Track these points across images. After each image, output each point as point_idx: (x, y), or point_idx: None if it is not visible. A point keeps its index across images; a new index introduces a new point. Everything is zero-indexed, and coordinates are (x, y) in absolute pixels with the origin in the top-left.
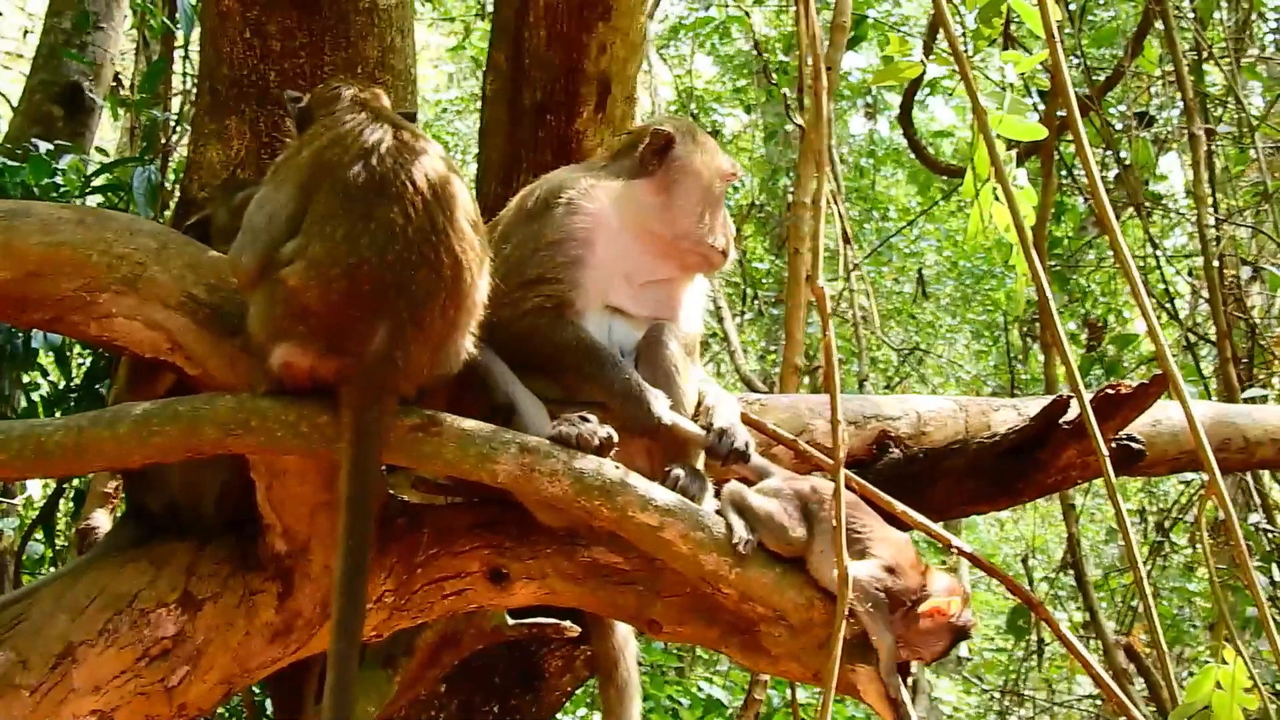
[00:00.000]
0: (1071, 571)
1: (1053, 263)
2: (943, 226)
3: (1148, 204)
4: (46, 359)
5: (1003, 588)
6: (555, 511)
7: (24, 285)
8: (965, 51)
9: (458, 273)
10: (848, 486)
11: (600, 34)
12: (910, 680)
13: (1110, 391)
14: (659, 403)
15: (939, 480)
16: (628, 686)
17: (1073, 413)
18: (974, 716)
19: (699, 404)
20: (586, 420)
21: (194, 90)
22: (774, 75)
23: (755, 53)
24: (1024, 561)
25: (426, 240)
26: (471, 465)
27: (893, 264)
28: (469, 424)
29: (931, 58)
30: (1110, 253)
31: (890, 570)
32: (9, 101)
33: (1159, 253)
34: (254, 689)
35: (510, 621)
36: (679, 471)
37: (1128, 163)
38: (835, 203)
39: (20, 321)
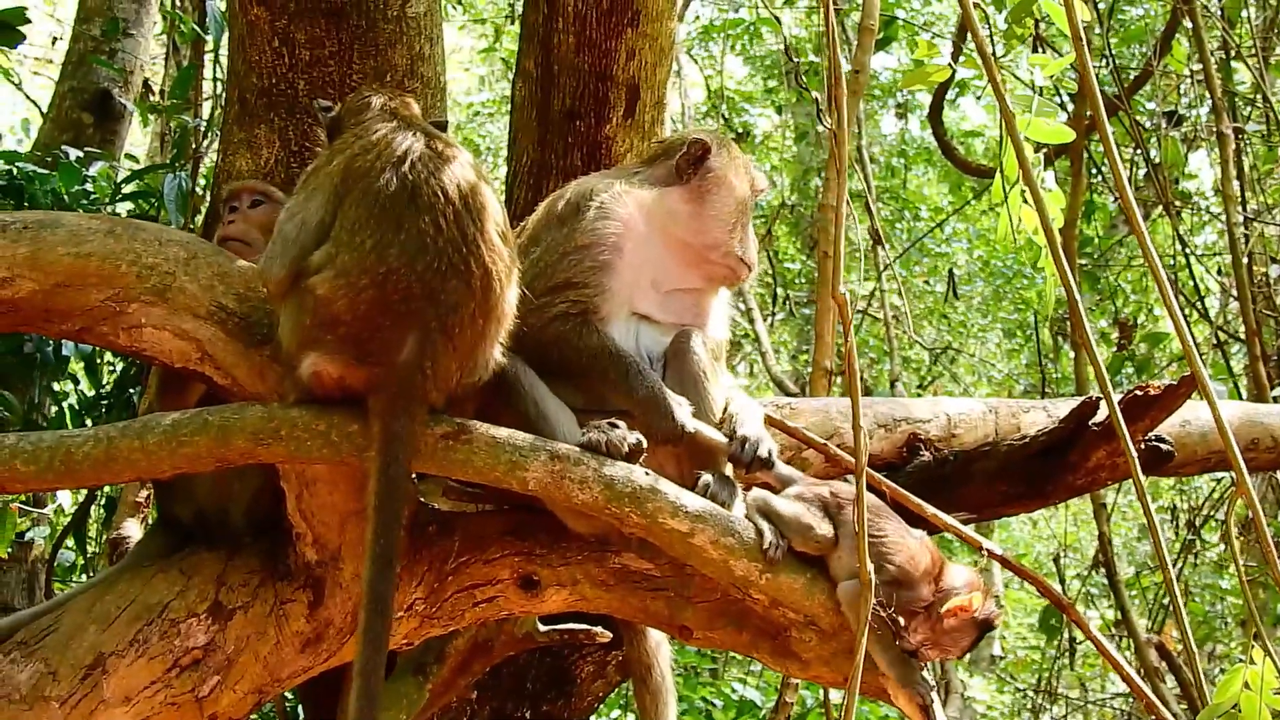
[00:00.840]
0: (1103, 570)
1: (1083, 261)
2: (974, 226)
3: (1177, 203)
4: (77, 367)
5: (1035, 587)
6: (585, 518)
7: (53, 296)
8: (994, 53)
9: (487, 283)
10: (877, 489)
11: (629, 40)
12: (939, 678)
13: (1139, 393)
14: (682, 410)
15: (970, 482)
16: (662, 691)
17: (1102, 414)
18: (1007, 715)
19: (724, 410)
20: (616, 427)
21: (224, 96)
22: (804, 77)
23: (785, 55)
24: (1055, 560)
25: (457, 251)
26: (502, 473)
27: (924, 264)
28: (499, 432)
29: (961, 60)
30: (1141, 251)
31: (897, 583)
32: (39, 108)
33: (1188, 251)
34: (286, 695)
35: (541, 628)
36: (708, 478)
37: (1157, 162)
38: (867, 203)
39: (49, 331)
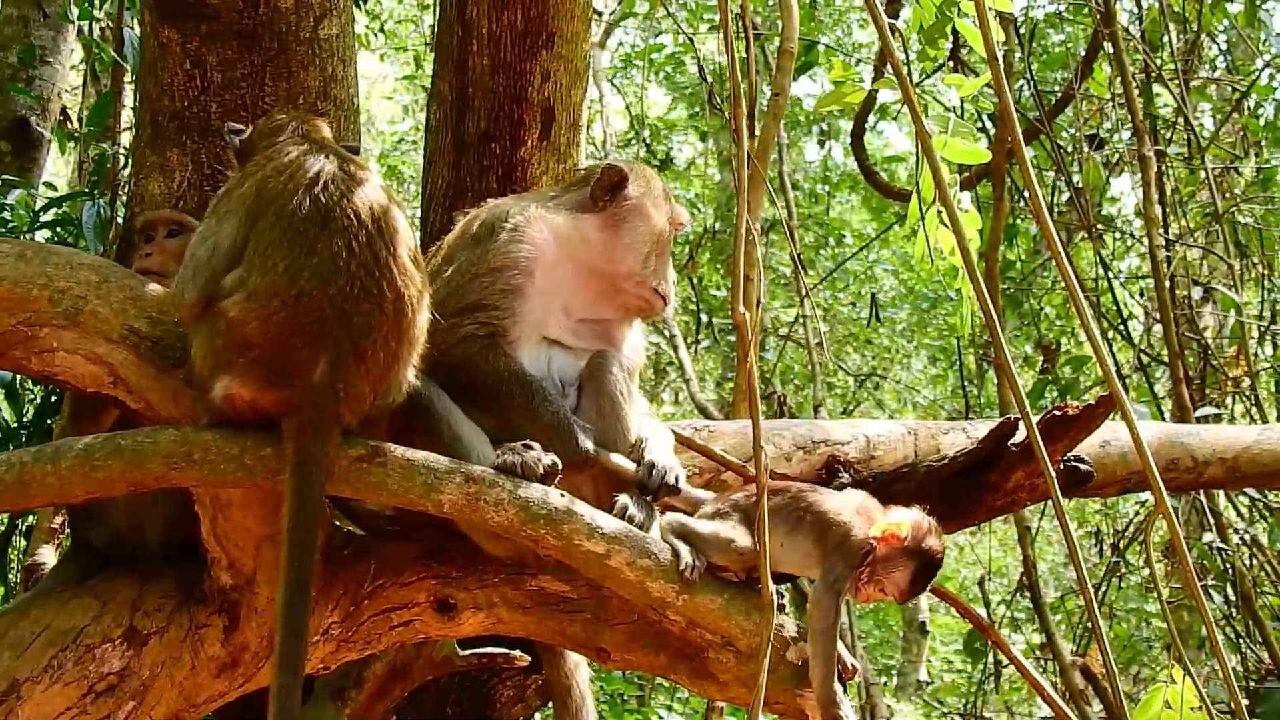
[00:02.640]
0: (1028, 594)
1: (1005, 286)
2: (898, 251)
3: (1099, 226)
4: None
5: (955, 609)
6: (501, 541)
7: None
8: (911, 76)
9: (400, 306)
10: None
11: (543, 61)
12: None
13: (1058, 413)
14: (585, 437)
15: (889, 504)
16: (582, 711)
17: (1022, 434)
18: None
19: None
20: (530, 449)
21: (136, 120)
22: (720, 102)
23: (701, 79)
24: (980, 584)
25: (369, 274)
26: (417, 495)
27: (849, 288)
28: (414, 454)
29: (879, 83)
30: (1060, 274)
31: (844, 538)
32: None
33: (1111, 275)
34: None
35: (460, 652)
36: (625, 499)
37: (1079, 185)
38: (788, 229)
39: None
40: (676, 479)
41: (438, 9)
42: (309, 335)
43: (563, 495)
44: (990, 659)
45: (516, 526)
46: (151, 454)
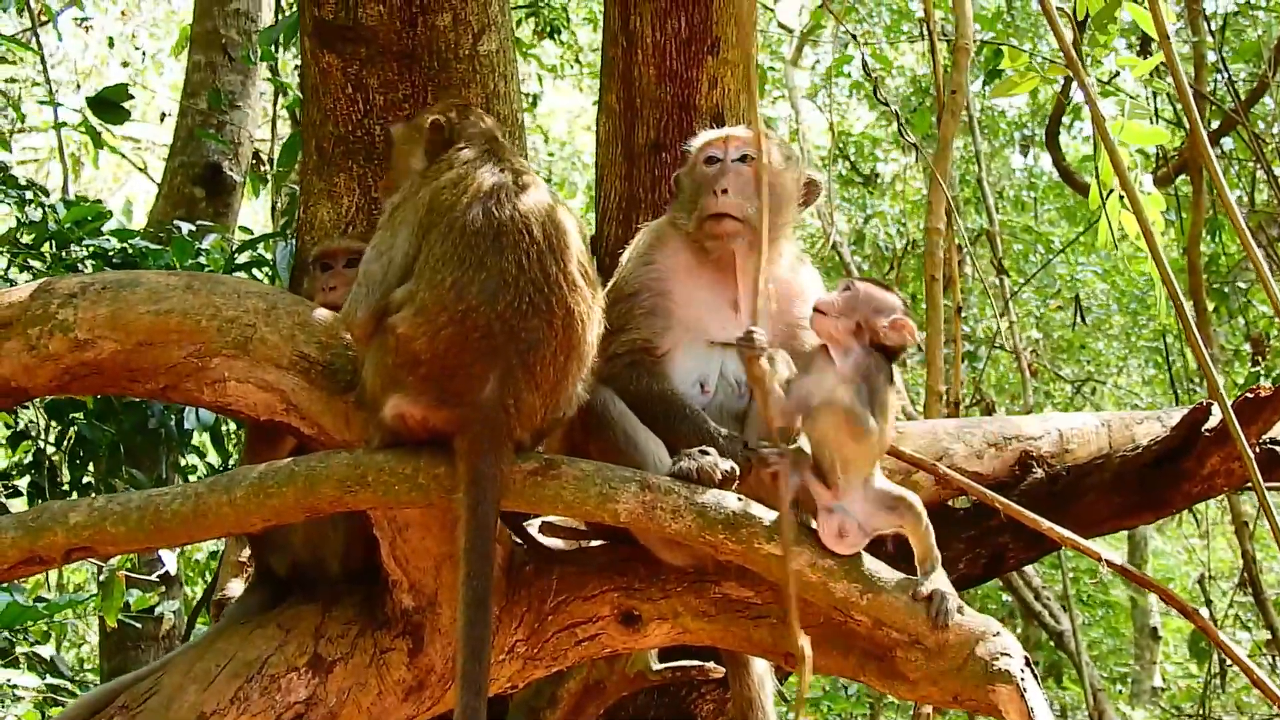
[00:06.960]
0: (1250, 589)
1: (1213, 281)
2: (1106, 254)
3: None
4: (202, 439)
5: (1159, 596)
6: (678, 549)
7: (135, 355)
8: (1086, 63)
9: (569, 322)
10: (991, 507)
11: (710, 68)
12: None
13: (1250, 395)
14: (735, 446)
15: (1084, 496)
16: None
17: (1215, 420)
18: None
19: None
20: (707, 454)
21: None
22: (881, 91)
23: (864, 72)
24: (1200, 582)
25: (539, 290)
26: (593, 506)
27: (1059, 294)
28: (587, 465)
29: (1051, 69)
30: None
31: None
32: (154, 182)
33: None
34: None
35: (654, 665)
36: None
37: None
38: (989, 236)
39: (135, 391)
40: None
41: (601, 21)
42: (477, 352)
43: (739, 499)
44: (1215, 658)
45: (694, 533)
46: (325, 478)
